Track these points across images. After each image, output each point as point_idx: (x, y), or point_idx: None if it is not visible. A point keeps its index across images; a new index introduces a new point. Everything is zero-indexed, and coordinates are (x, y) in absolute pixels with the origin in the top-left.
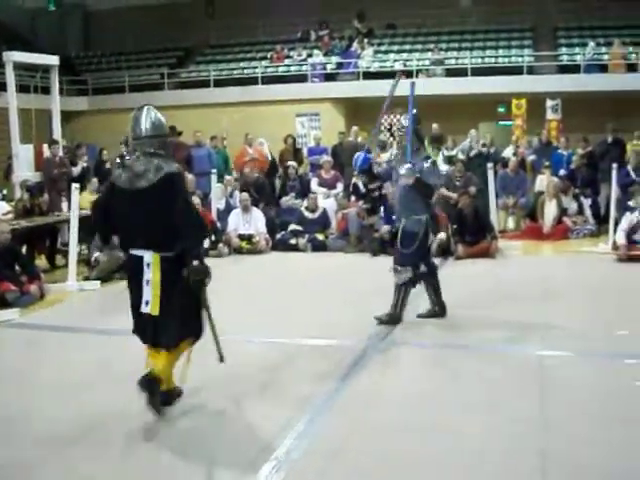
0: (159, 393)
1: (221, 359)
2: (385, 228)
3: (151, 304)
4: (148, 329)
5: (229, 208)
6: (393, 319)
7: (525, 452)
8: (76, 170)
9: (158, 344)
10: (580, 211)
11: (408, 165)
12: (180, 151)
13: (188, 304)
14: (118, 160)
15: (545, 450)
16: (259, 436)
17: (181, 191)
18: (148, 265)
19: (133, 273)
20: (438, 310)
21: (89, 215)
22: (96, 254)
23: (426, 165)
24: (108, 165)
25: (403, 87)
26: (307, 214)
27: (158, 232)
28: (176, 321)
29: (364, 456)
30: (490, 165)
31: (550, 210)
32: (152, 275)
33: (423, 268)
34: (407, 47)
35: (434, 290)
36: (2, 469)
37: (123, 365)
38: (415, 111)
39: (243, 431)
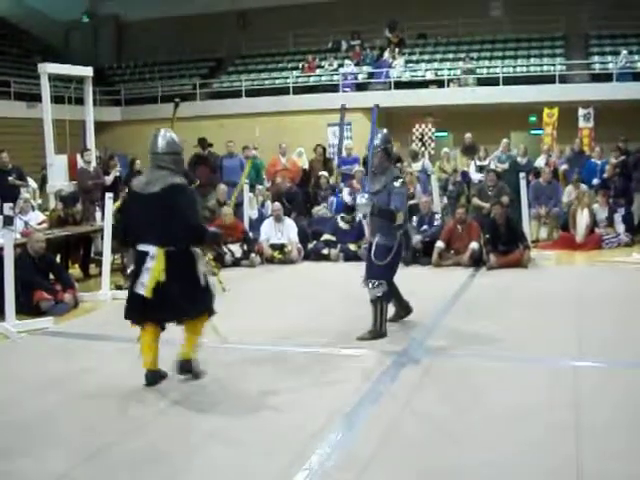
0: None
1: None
2: (417, 238)
3: (145, 288)
4: (157, 309)
5: (262, 218)
6: (376, 335)
7: (560, 464)
8: (109, 180)
9: (180, 320)
10: (610, 222)
11: (365, 195)
12: (206, 164)
13: (192, 287)
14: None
15: (580, 462)
16: (292, 445)
17: (182, 199)
18: (152, 257)
19: (139, 265)
20: (403, 313)
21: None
22: (133, 266)
23: (396, 184)
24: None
25: (429, 96)
26: (342, 224)
27: (161, 230)
28: (182, 302)
29: (397, 467)
30: (522, 175)
31: (582, 220)
32: (154, 264)
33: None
34: (438, 57)
35: (395, 296)
36: (26, 477)
37: None
38: (385, 130)
39: (276, 440)
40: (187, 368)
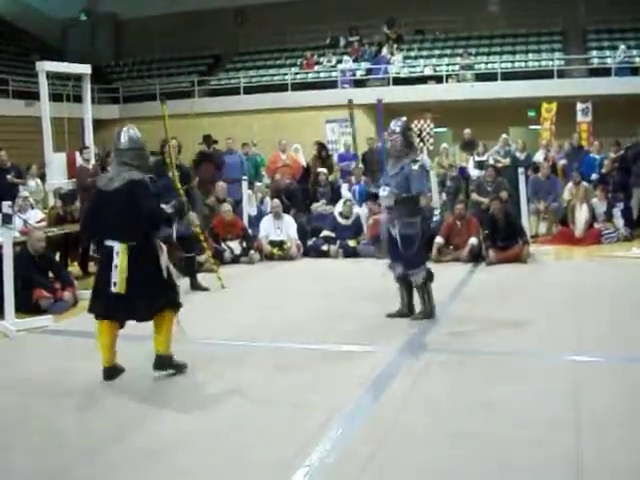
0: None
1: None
2: None
3: (118, 285)
4: (121, 308)
5: (261, 215)
6: (426, 315)
7: (559, 459)
8: None
9: (137, 319)
10: (609, 217)
11: (387, 188)
12: (211, 161)
13: (156, 281)
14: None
15: (580, 455)
16: (292, 442)
17: (142, 194)
18: (117, 253)
19: (105, 261)
20: (406, 312)
21: None
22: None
23: (414, 168)
24: None
25: (427, 91)
26: (341, 220)
27: (123, 226)
28: (146, 298)
29: (397, 464)
30: (521, 170)
31: (581, 215)
32: (119, 261)
33: (402, 270)
34: (436, 52)
35: (408, 292)
36: (26, 477)
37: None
38: (404, 118)
39: (276, 437)
40: (163, 365)
